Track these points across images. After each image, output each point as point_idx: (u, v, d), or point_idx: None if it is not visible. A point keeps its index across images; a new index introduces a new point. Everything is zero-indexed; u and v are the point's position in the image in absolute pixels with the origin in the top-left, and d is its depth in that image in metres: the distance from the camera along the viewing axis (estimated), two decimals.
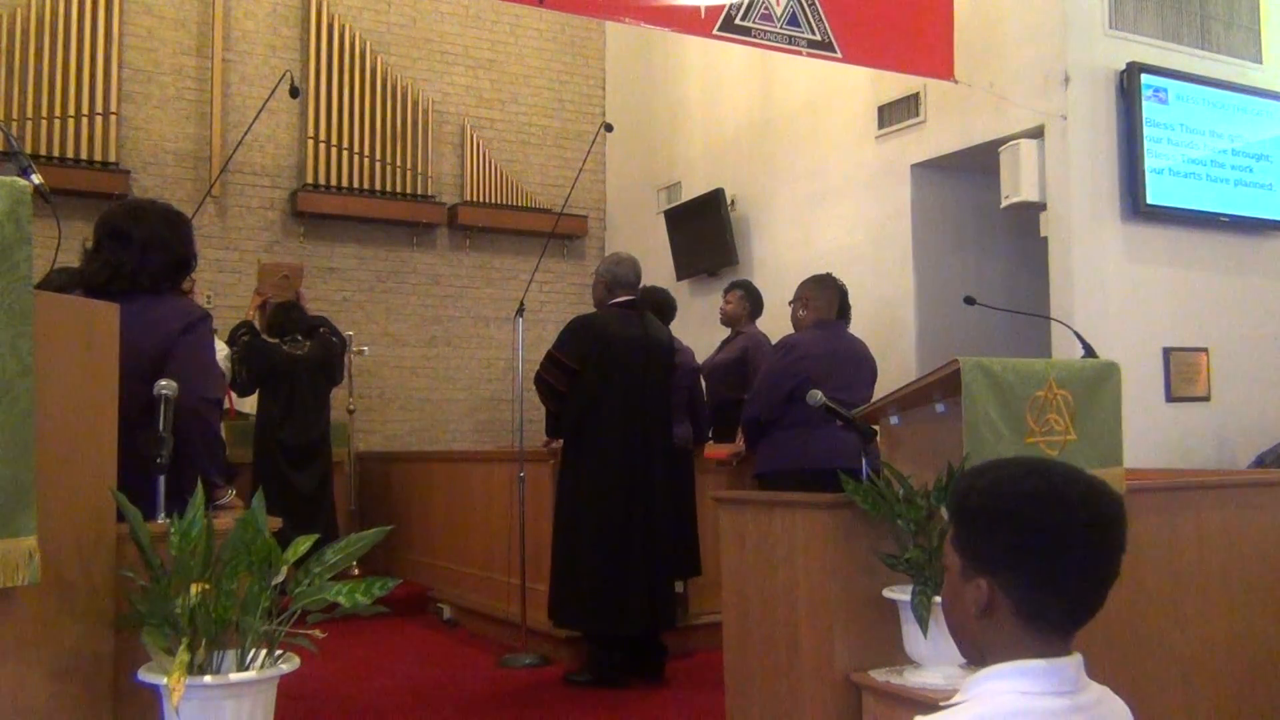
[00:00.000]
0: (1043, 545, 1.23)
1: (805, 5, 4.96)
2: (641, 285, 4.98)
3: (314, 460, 6.29)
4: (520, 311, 5.40)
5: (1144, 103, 5.45)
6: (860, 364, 4.67)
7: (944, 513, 2.77)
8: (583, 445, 4.57)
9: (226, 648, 2.02)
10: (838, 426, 3.50)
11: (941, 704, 1.28)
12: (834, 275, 4.94)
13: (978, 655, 1.30)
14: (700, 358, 5.81)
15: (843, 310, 4.90)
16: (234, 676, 1.99)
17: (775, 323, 6.06)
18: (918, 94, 6.19)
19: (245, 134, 5.94)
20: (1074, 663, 1.26)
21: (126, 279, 2.67)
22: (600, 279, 4.83)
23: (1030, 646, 1.25)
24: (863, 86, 6.56)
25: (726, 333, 6.04)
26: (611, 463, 4.49)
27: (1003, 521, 1.25)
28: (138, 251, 2.70)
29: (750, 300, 5.95)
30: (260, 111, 5.74)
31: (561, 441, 4.85)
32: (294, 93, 4.94)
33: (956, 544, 1.31)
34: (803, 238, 7.09)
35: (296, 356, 6.29)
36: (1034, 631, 1.25)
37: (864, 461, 3.21)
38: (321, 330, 6.53)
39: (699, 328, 7.12)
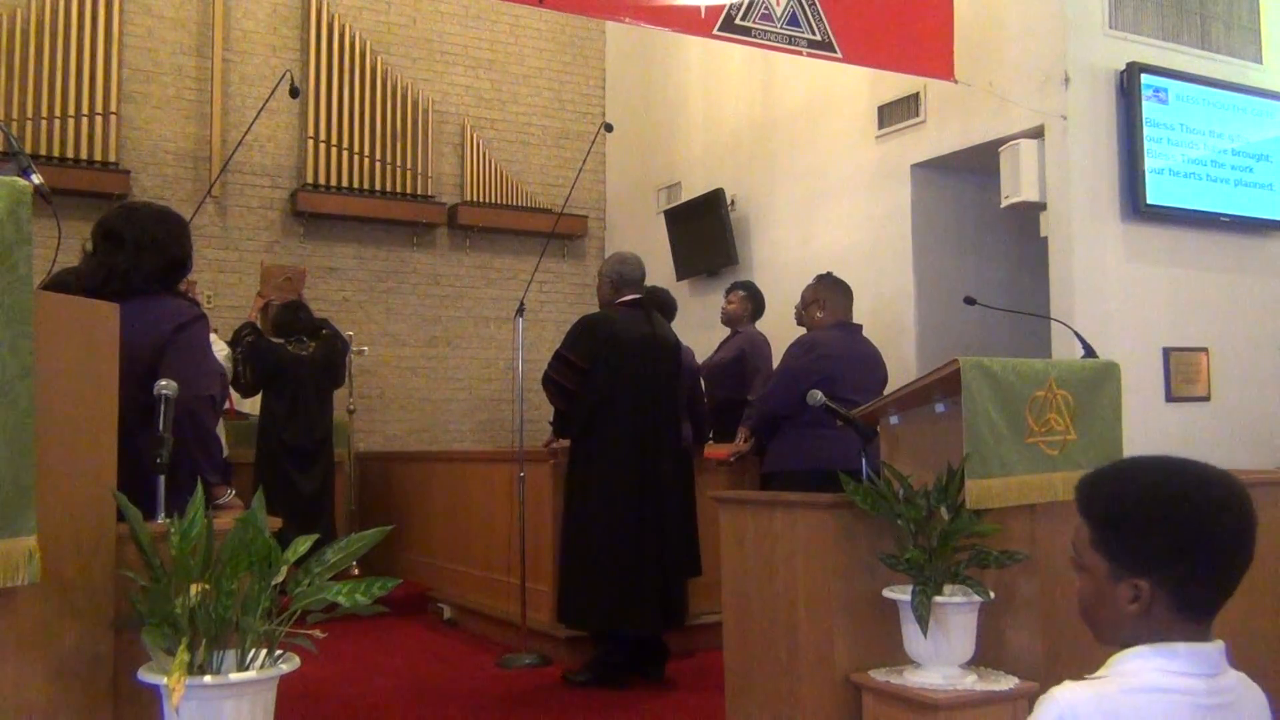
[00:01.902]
0: (1198, 544, 1.31)
1: (805, 5, 4.96)
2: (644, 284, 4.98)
3: (316, 461, 6.29)
4: (520, 311, 5.40)
5: (1144, 103, 5.45)
6: (875, 368, 4.70)
7: (944, 512, 2.77)
8: (593, 445, 4.55)
9: (226, 648, 2.02)
10: (837, 426, 3.50)
11: (1087, 676, 1.35)
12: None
13: (1125, 646, 1.36)
14: (700, 358, 5.80)
15: (850, 314, 4.90)
16: (234, 676, 1.99)
17: (775, 323, 6.07)
18: (918, 94, 6.19)
19: (245, 134, 5.95)
20: (1217, 648, 1.34)
21: (121, 280, 2.67)
22: (606, 278, 4.81)
23: (1180, 632, 1.33)
24: (863, 86, 6.56)
25: (726, 333, 6.04)
26: (623, 462, 4.48)
27: (1158, 525, 1.33)
28: (131, 253, 2.71)
29: (752, 301, 5.96)
30: (260, 111, 5.74)
31: (562, 442, 4.85)
32: (294, 93, 4.94)
33: (1102, 549, 1.37)
34: (803, 238, 7.09)
35: (301, 357, 6.28)
36: (1185, 620, 1.33)
37: (864, 461, 3.21)
38: (324, 332, 6.53)
39: (699, 328, 7.12)
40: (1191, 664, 1.30)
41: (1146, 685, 1.29)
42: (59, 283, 2.74)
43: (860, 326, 4.82)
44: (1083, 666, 1.39)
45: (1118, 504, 1.36)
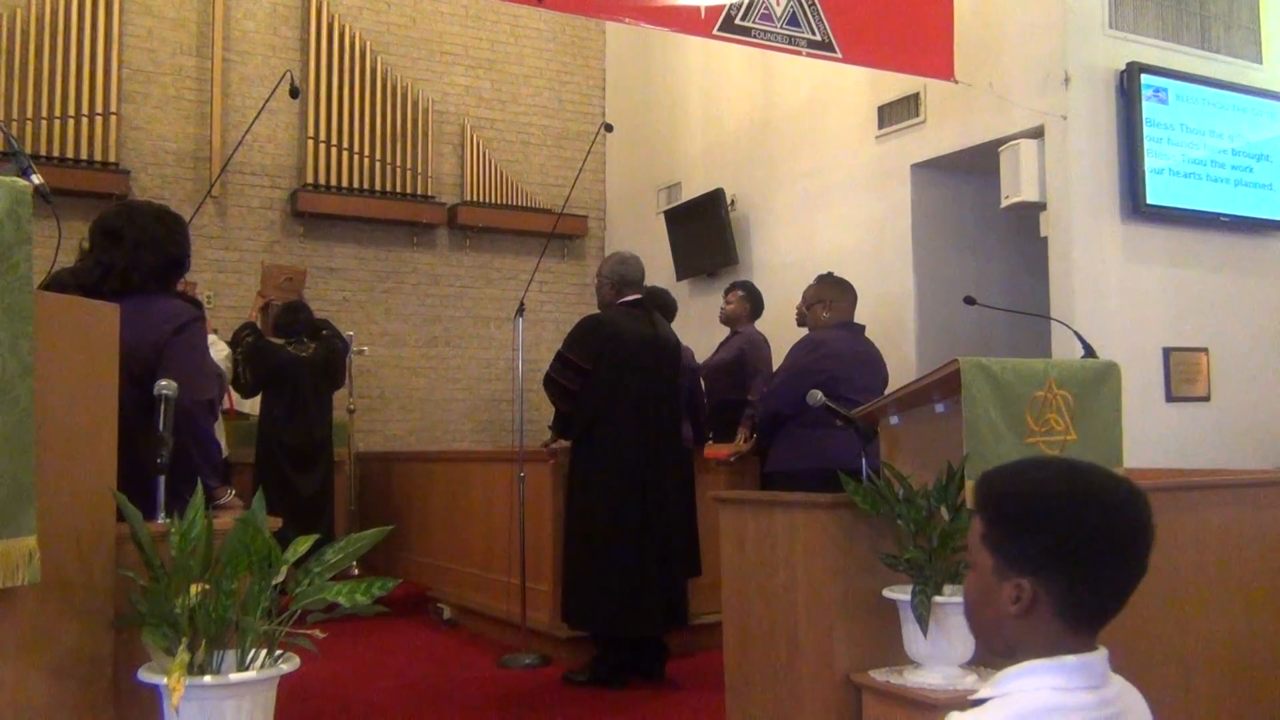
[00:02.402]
0: (1086, 547, 1.27)
1: (805, 5, 4.96)
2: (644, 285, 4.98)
3: (316, 462, 6.28)
4: (520, 311, 5.40)
5: (1144, 103, 5.45)
6: (877, 369, 4.69)
7: (944, 512, 2.77)
8: (595, 446, 4.55)
9: (226, 648, 2.02)
10: (837, 426, 3.50)
11: (970, 698, 1.31)
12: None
13: (1007, 651, 1.32)
14: (700, 358, 5.80)
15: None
16: (234, 676, 1.99)
17: (775, 323, 6.06)
18: (918, 94, 6.19)
19: (245, 134, 5.95)
20: (1100, 658, 1.30)
21: (118, 278, 2.66)
22: (606, 278, 4.81)
23: (1065, 643, 1.28)
24: (863, 86, 6.56)
25: (726, 333, 6.04)
26: (625, 463, 4.47)
27: (1046, 524, 1.28)
28: (130, 251, 2.70)
29: (751, 301, 5.95)
30: (260, 111, 5.74)
31: (563, 442, 4.84)
32: (294, 93, 4.93)
33: (990, 544, 1.33)
34: (803, 238, 7.09)
35: (301, 358, 6.27)
36: (1070, 628, 1.28)
37: (864, 461, 3.21)
38: (325, 333, 6.52)
39: (699, 328, 7.12)
40: (1083, 677, 1.26)
41: (1041, 706, 1.24)
42: (57, 282, 2.73)
43: (863, 327, 4.82)
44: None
45: (1009, 501, 1.32)
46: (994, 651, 1.36)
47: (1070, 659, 1.27)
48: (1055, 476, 1.31)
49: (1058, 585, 1.28)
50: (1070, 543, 1.27)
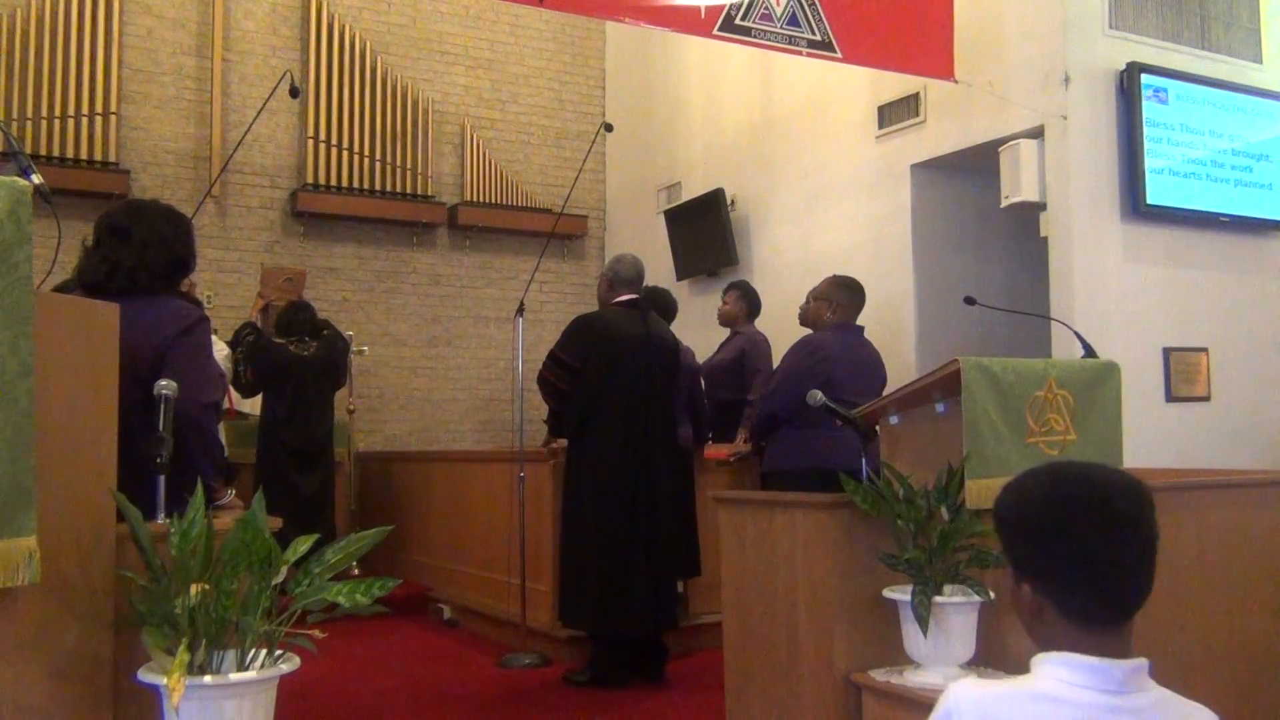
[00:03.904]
0: (1062, 550, 1.30)
1: (805, 5, 4.96)
2: (643, 285, 4.98)
3: (318, 462, 6.26)
4: (520, 311, 5.40)
5: (1144, 103, 5.45)
6: (875, 372, 4.69)
7: (944, 512, 2.77)
8: (586, 444, 4.56)
9: (226, 648, 2.02)
10: (837, 426, 3.50)
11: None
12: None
13: (1044, 649, 1.37)
14: (701, 358, 5.81)
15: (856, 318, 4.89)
16: (234, 676, 1.99)
17: (775, 323, 6.06)
18: (918, 94, 6.19)
19: (245, 134, 5.94)
20: (1126, 666, 1.30)
21: (125, 276, 2.65)
22: (603, 278, 4.86)
23: (1082, 643, 1.31)
24: (863, 86, 6.55)
25: (726, 333, 6.04)
26: (615, 462, 4.48)
27: (1026, 530, 1.33)
28: (137, 249, 2.68)
29: (747, 300, 5.95)
30: (260, 111, 5.74)
31: (561, 441, 4.85)
32: (294, 93, 4.93)
33: (1004, 554, 1.40)
34: (803, 238, 7.09)
35: (302, 358, 6.25)
36: (1082, 629, 1.31)
37: (864, 461, 3.21)
38: (326, 333, 6.51)
39: (699, 328, 7.12)
40: (1092, 678, 1.28)
41: (1039, 692, 1.28)
42: (63, 289, 2.73)
43: (863, 329, 4.82)
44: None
45: (1009, 509, 1.37)
46: (1035, 645, 1.40)
47: (1082, 658, 1.29)
48: (1036, 484, 1.35)
49: (1054, 588, 1.31)
50: (1048, 548, 1.31)
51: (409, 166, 8.54)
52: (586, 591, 4.46)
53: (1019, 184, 5.46)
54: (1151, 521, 1.32)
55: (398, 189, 8.51)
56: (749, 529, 3.20)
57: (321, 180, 8.21)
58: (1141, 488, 1.33)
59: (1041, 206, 5.49)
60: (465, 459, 6.79)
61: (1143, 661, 1.31)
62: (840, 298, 4.70)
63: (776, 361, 5.34)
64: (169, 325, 2.63)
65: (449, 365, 8.85)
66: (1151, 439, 5.18)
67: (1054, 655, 1.31)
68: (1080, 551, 1.29)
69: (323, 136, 8.20)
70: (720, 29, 4.80)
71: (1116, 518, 1.30)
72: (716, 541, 3.45)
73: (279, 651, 2.08)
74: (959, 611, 2.70)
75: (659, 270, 7.85)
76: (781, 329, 5.82)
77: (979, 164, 5.93)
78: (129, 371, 2.30)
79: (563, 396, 4.63)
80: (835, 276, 4.85)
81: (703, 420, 5.31)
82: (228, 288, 7.92)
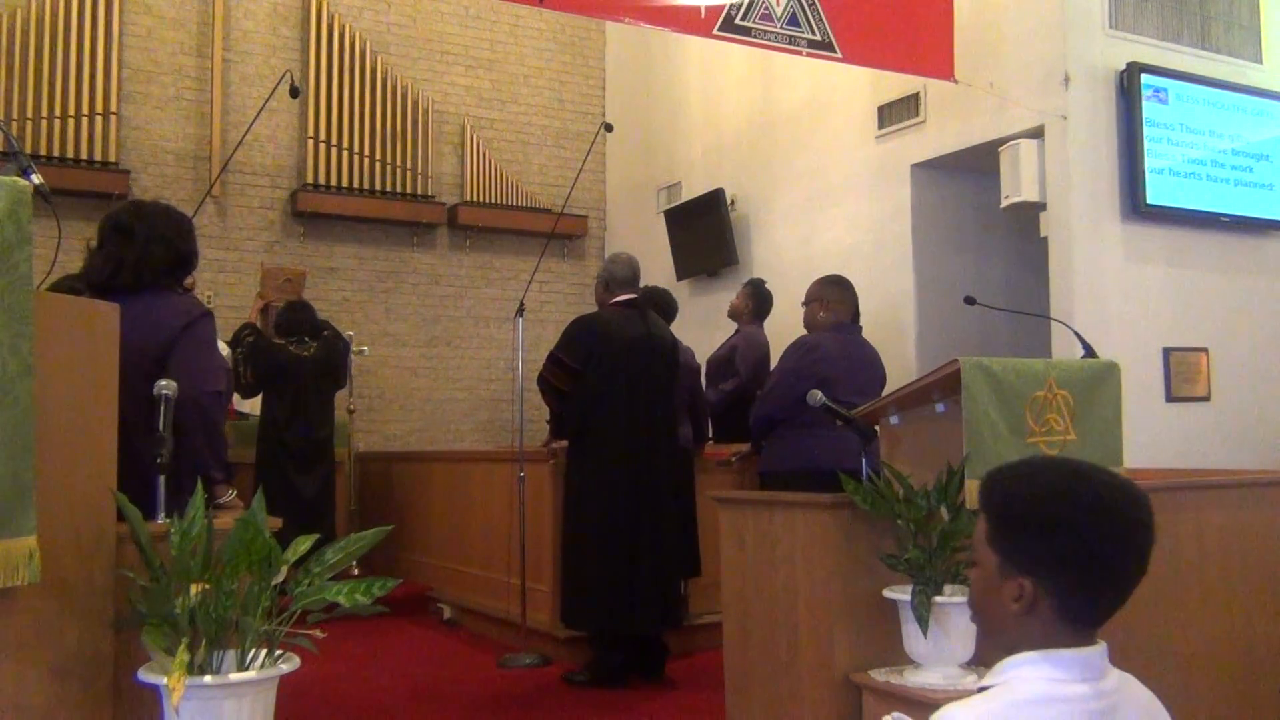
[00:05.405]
0: (1088, 551, 1.30)
1: (805, 5, 4.96)
2: (642, 285, 4.99)
3: (318, 463, 6.25)
4: (520, 311, 5.40)
5: (1144, 103, 5.45)
6: (873, 371, 4.68)
7: (944, 512, 2.77)
8: (587, 445, 4.56)
9: (226, 648, 2.02)
10: (837, 426, 3.50)
11: (978, 687, 1.35)
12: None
13: (1009, 647, 1.36)
14: (701, 358, 5.81)
15: (854, 315, 4.89)
16: (234, 676, 1.99)
17: (775, 323, 6.06)
18: (918, 94, 6.19)
19: (245, 134, 5.94)
20: (1099, 652, 1.33)
21: (130, 274, 2.70)
22: (600, 279, 4.87)
23: (1064, 638, 1.32)
24: (863, 86, 6.55)
25: (726, 333, 6.06)
26: (617, 462, 4.48)
27: (1049, 528, 1.31)
28: (141, 246, 2.74)
29: (754, 300, 5.96)
30: (260, 111, 5.73)
31: (562, 442, 4.85)
32: (294, 93, 4.93)
33: (994, 544, 1.36)
34: (803, 238, 7.09)
35: (303, 358, 6.25)
36: (1070, 626, 1.32)
37: (864, 461, 3.21)
38: (326, 333, 6.51)
39: (699, 328, 7.12)
40: (1078, 670, 1.30)
41: (1035, 696, 1.28)
42: (65, 289, 2.76)
43: (860, 328, 4.81)
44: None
45: (1014, 501, 1.35)
46: (997, 646, 1.39)
47: (1066, 652, 1.30)
48: (1059, 479, 1.33)
49: (1059, 586, 1.31)
50: (1072, 546, 1.30)
51: (409, 166, 8.54)
52: (590, 593, 4.45)
53: (1019, 184, 5.46)
54: (1153, 528, 1.34)
55: (398, 189, 8.51)
56: (749, 529, 3.20)
57: (321, 180, 8.21)
58: (1145, 494, 1.34)
59: (1041, 206, 5.49)
60: (465, 459, 6.79)
61: (1104, 645, 1.34)
62: (831, 295, 4.69)
63: (773, 363, 5.34)
64: (174, 319, 2.67)
65: (449, 365, 8.85)
66: (1151, 439, 5.18)
67: (1029, 656, 1.31)
68: (1108, 556, 1.29)
69: (323, 136, 8.20)
70: (720, 29, 4.80)
71: (1144, 525, 1.31)
72: (716, 541, 3.45)
73: (279, 651, 2.08)
74: (959, 611, 2.70)
75: (659, 270, 7.85)
76: (781, 330, 5.81)
77: (979, 164, 5.93)
78: (135, 368, 2.31)
79: (563, 398, 4.64)
80: (821, 277, 4.84)
81: (703, 420, 5.31)
82: (228, 288, 7.91)
